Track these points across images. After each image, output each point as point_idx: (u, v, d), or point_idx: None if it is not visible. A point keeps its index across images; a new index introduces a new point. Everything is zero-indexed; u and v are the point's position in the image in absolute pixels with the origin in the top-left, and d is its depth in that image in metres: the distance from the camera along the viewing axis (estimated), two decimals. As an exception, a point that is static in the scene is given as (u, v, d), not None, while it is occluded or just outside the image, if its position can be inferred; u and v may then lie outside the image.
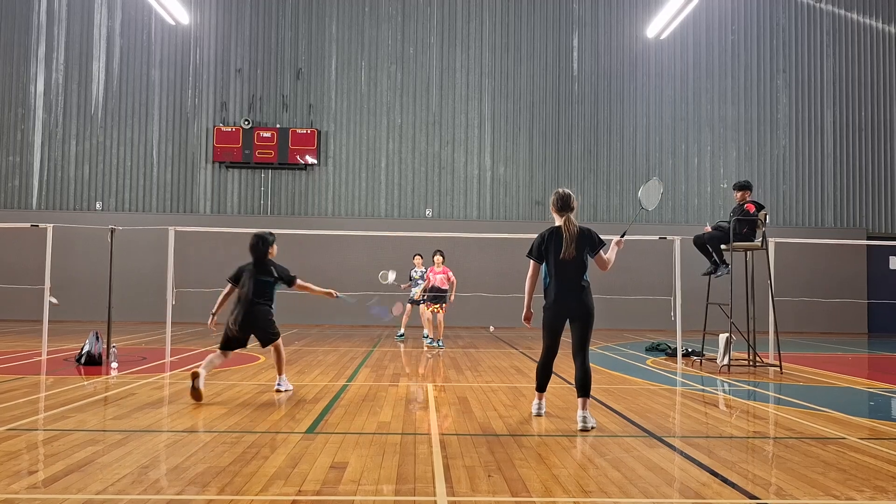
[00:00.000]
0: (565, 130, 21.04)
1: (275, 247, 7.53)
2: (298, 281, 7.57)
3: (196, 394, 6.67)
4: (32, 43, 20.63)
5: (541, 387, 6.28)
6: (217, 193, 20.53)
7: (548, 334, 6.05)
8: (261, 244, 7.37)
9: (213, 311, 7.39)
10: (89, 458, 4.57)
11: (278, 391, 7.48)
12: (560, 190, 6.18)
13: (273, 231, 7.73)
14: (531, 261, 6.11)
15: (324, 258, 19.26)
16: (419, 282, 13.84)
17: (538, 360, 6.23)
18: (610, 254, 6.25)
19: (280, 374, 7.59)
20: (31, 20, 20.65)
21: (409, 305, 14.18)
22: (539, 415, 6.29)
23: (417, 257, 14.40)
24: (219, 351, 7.24)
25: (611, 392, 7.88)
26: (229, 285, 7.41)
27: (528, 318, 6.20)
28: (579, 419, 5.75)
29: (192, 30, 20.59)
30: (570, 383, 8.49)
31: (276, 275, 7.36)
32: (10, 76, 20.58)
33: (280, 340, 7.48)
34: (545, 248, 6.02)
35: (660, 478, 4.38)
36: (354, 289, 18.42)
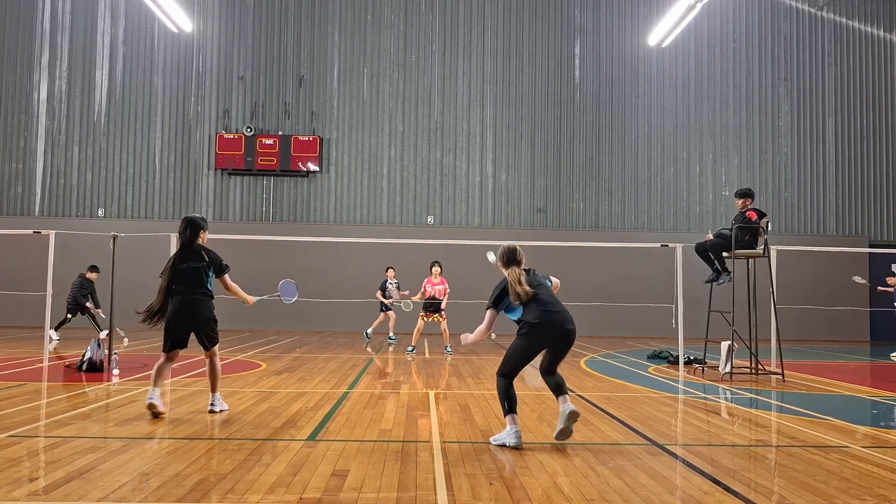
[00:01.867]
0: (567, 138, 21.06)
1: (205, 234, 6.83)
2: (227, 275, 6.76)
3: (156, 414, 6.29)
4: (36, 50, 20.70)
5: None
6: (219, 200, 20.56)
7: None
8: (191, 229, 6.65)
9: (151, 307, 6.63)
10: (90, 465, 4.56)
11: (212, 412, 6.59)
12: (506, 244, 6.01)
13: (206, 218, 7.05)
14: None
15: (325, 265, 19.27)
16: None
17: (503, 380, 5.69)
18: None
19: (213, 391, 6.73)
20: (34, 28, 20.73)
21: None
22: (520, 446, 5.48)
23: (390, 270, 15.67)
24: (163, 356, 6.59)
25: (612, 400, 7.86)
26: (161, 279, 6.65)
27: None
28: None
29: (195, 37, 20.66)
30: (570, 390, 8.47)
31: (207, 259, 6.59)
32: (13, 83, 20.65)
33: (217, 348, 6.79)
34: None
35: (662, 486, 4.36)
36: (357, 294, 18.46)
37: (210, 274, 6.62)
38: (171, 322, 6.52)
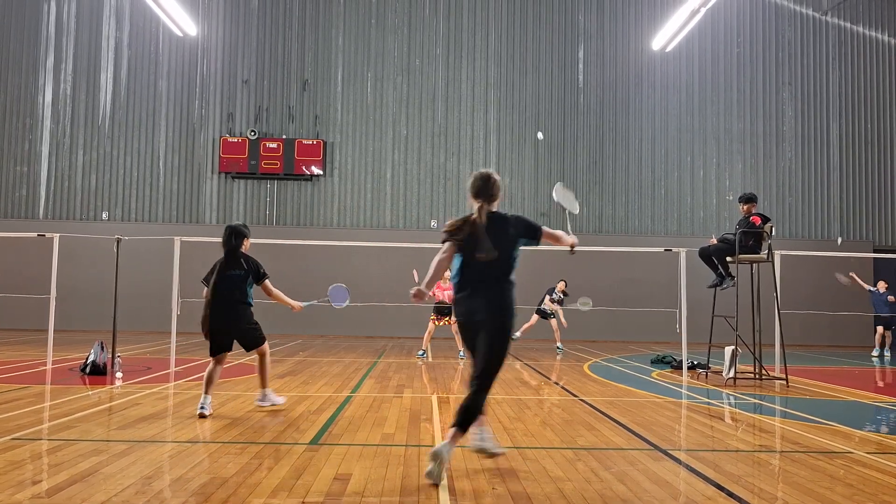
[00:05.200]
0: (571, 142, 21.06)
1: (248, 241, 6.96)
2: (268, 281, 6.91)
3: (204, 416, 6.51)
4: (41, 54, 20.77)
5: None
6: (223, 204, 20.58)
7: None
8: (233, 237, 6.83)
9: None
10: (93, 468, 4.57)
11: (261, 407, 6.90)
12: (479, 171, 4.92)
13: (248, 226, 7.20)
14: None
15: (329, 269, 19.26)
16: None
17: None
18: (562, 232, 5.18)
19: (264, 386, 6.98)
20: (39, 32, 20.80)
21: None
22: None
23: (561, 283, 15.46)
24: (211, 362, 6.79)
25: (616, 404, 7.85)
26: (205, 287, 6.85)
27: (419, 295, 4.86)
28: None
29: (200, 41, 20.71)
30: (573, 395, 8.45)
31: (245, 267, 6.77)
32: (18, 87, 20.71)
33: (267, 346, 6.97)
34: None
35: (665, 491, 4.35)
36: (361, 298, 18.45)
37: (250, 282, 6.81)
38: (213, 329, 6.70)
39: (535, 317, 15.36)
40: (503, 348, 4.64)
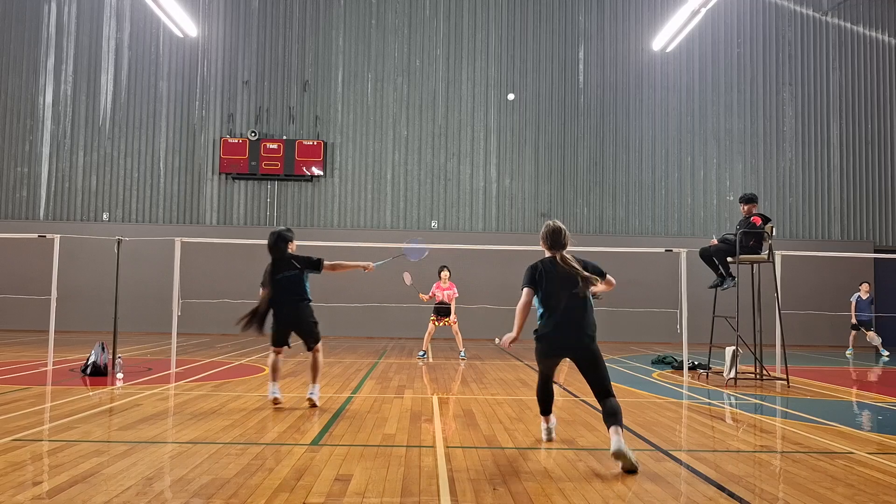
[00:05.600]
0: (571, 143, 21.06)
1: (294, 244, 7.40)
2: (326, 262, 7.42)
3: (278, 403, 7.13)
4: (41, 55, 20.78)
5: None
6: (223, 205, 20.59)
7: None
8: (279, 242, 7.28)
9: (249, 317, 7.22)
10: (94, 469, 4.57)
11: (310, 401, 7.21)
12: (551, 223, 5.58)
13: (292, 229, 7.63)
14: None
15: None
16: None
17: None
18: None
19: (314, 382, 7.35)
20: (40, 32, 20.82)
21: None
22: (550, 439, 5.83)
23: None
24: (272, 352, 7.36)
25: (617, 405, 7.84)
26: (261, 291, 7.28)
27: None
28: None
29: (200, 42, 20.72)
30: (574, 395, 8.46)
31: (299, 266, 7.24)
32: (18, 88, 20.72)
33: (321, 345, 7.46)
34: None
35: (666, 492, 4.35)
36: (361, 299, 18.48)
37: (306, 277, 7.28)
38: (276, 326, 7.26)
39: None
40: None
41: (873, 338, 16.63)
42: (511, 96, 17.16)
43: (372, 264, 7.92)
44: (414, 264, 16.37)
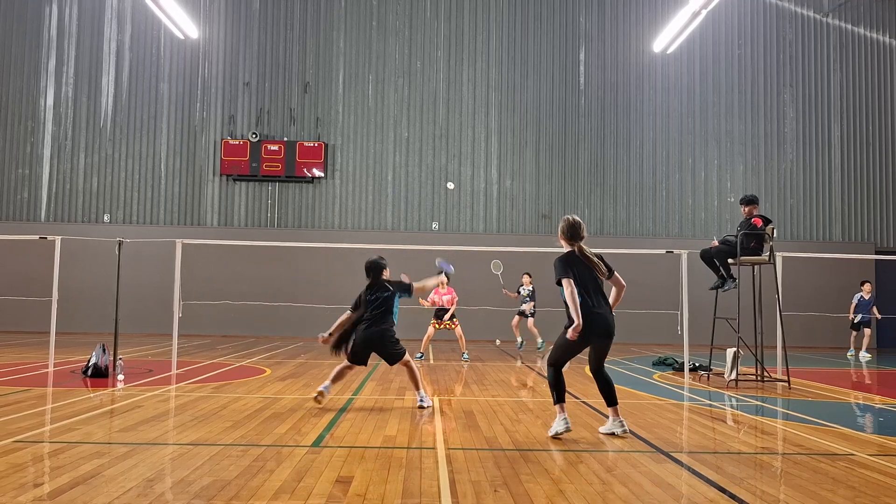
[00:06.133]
0: (572, 144, 21.07)
1: (388, 271, 7.82)
2: (415, 285, 7.80)
3: (320, 399, 7.36)
4: (43, 57, 20.81)
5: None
6: (224, 206, 20.60)
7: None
8: (376, 268, 7.74)
9: (331, 331, 7.68)
10: (95, 470, 4.57)
11: (421, 408, 7.44)
12: (570, 217, 6.21)
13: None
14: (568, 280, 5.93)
15: (330, 271, 19.28)
16: (526, 298, 15.75)
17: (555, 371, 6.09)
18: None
19: (417, 389, 7.65)
20: (41, 34, 20.84)
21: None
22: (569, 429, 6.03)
23: (525, 276, 15.88)
24: (346, 363, 7.62)
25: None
26: (348, 312, 7.72)
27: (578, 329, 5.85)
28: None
29: (201, 44, 20.74)
30: (575, 397, 8.46)
31: (391, 289, 7.64)
32: (20, 90, 20.75)
33: (408, 356, 7.67)
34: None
35: (667, 494, 4.34)
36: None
37: (397, 299, 7.67)
38: (360, 346, 7.56)
39: (516, 318, 15.96)
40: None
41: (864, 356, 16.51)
42: (451, 185, 17.55)
43: (441, 278, 8.60)
44: (413, 268, 16.24)
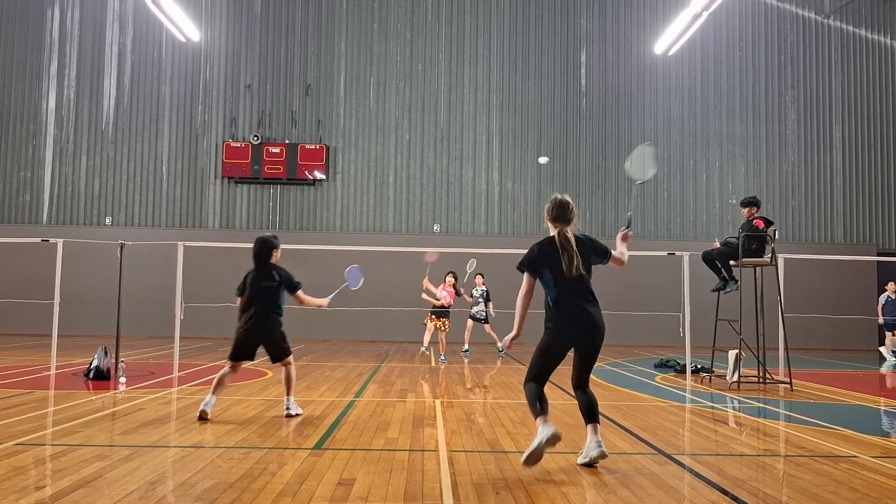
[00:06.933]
0: (573, 146, 21.07)
1: (278, 251, 7.13)
2: (300, 292, 7.13)
3: (204, 417, 6.60)
4: (45, 60, 20.84)
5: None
6: (226, 209, 20.62)
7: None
8: (263, 248, 7.03)
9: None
10: (97, 473, 4.57)
11: (288, 416, 6.89)
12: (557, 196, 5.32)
13: (278, 237, 7.34)
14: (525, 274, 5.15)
15: (331, 273, 19.23)
16: (479, 300, 15.33)
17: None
18: (621, 248, 5.61)
19: (288, 394, 7.02)
20: (43, 38, 20.88)
21: (469, 322, 15.38)
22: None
23: (479, 276, 15.48)
24: (228, 364, 6.94)
25: (619, 409, 7.84)
26: (238, 298, 7.05)
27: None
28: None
29: (203, 46, 20.76)
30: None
31: (278, 278, 6.95)
32: (22, 92, 20.78)
33: (291, 358, 7.12)
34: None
35: (669, 496, 4.34)
36: (363, 303, 18.45)
37: (283, 292, 6.98)
38: (243, 335, 6.89)
39: (470, 322, 15.38)
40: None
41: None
42: (543, 159, 17.56)
43: (326, 300, 7.63)
44: (415, 270, 16.32)
